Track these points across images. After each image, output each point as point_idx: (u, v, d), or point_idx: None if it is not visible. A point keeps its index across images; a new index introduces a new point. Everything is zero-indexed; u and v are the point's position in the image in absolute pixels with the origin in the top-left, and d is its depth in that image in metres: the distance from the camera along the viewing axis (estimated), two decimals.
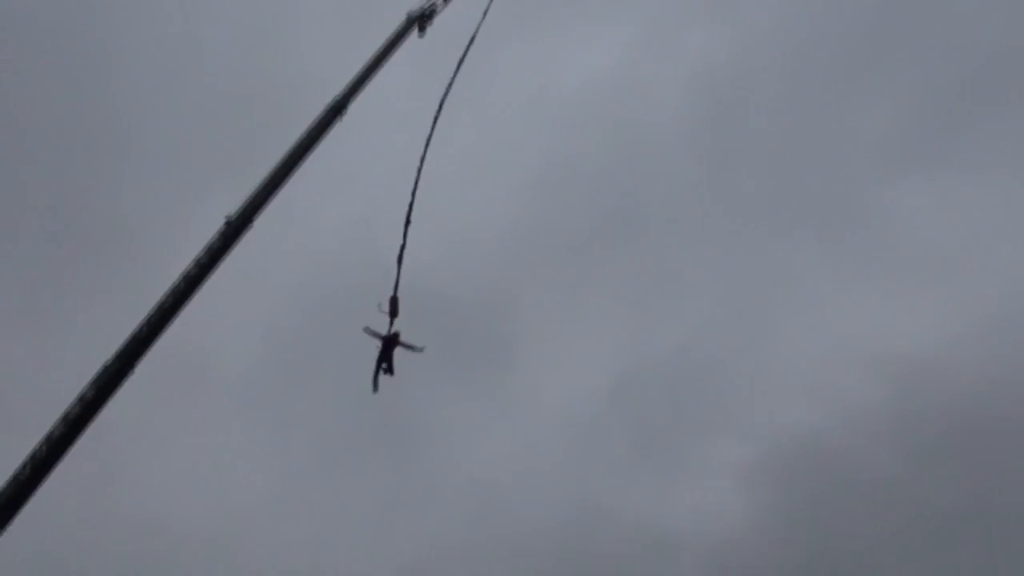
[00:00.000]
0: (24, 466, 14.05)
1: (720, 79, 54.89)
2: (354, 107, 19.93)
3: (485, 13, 21.53)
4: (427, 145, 19.12)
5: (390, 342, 16.26)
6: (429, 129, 19.48)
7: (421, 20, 22.23)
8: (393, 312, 16.15)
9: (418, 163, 18.32)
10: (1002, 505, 42.72)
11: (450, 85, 20.33)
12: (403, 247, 16.68)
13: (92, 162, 45.48)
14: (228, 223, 17.92)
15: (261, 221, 17.95)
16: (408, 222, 16.81)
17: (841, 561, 46.81)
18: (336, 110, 20.03)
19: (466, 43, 20.87)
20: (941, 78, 53.23)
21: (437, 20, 22.69)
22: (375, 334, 16.35)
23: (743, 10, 56.09)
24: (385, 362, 16.41)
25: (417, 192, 17.47)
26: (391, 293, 16.34)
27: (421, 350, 16.64)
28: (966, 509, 43.43)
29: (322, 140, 19.80)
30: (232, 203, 18.13)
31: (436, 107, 20.10)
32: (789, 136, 54.39)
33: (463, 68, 20.51)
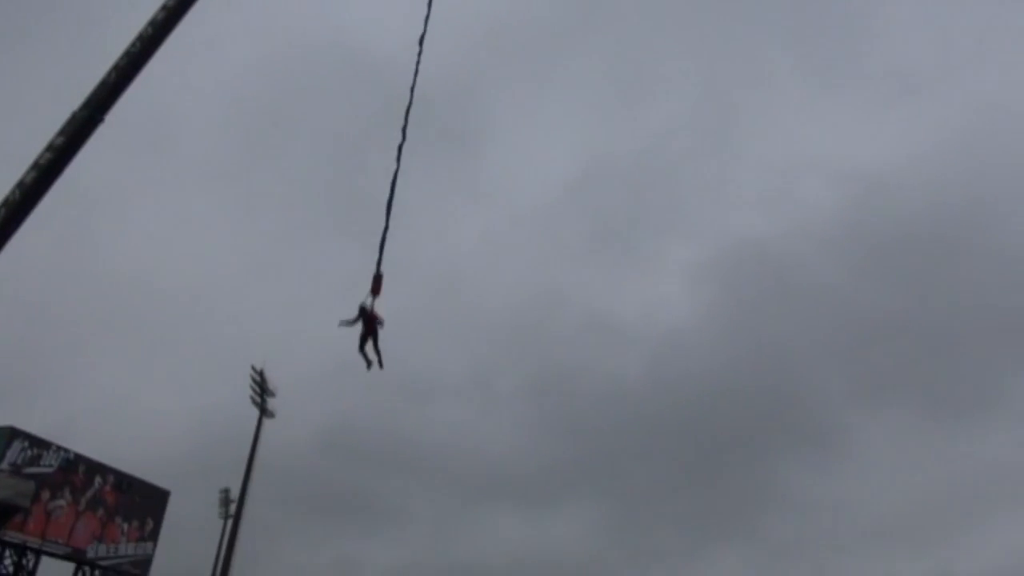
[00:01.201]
0: None
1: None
2: None
3: None
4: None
5: (370, 322, 14.15)
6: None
7: None
8: (376, 290, 14.46)
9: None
10: (930, 314, 45.54)
11: None
12: (386, 229, 14.89)
13: None
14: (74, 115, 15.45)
15: None
16: (390, 208, 14.98)
17: (778, 359, 50.08)
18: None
19: None
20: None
21: None
22: (348, 323, 14.19)
23: None
24: (374, 347, 14.26)
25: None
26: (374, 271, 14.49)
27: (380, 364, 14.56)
28: (898, 317, 46.21)
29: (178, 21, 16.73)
30: None
31: None
32: None
33: None
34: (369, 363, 14.36)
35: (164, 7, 16.00)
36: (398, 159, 15.69)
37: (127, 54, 15.42)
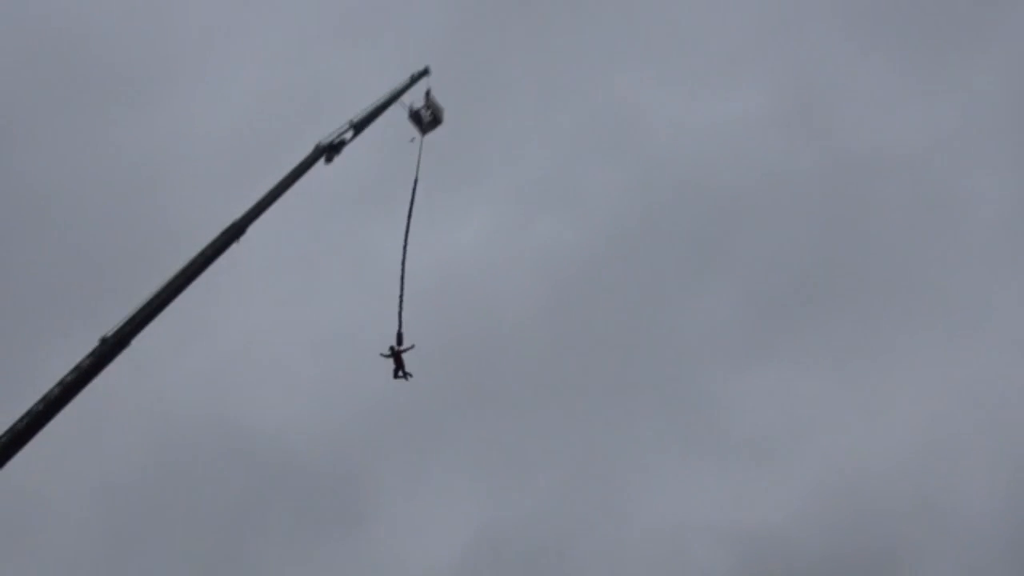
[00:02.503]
0: None
1: (568, 264, 58.58)
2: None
3: (419, 161, 25.75)
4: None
5: (397, 356, 23.24)
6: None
7: (329, 151, 22.70)
8: (399, 343, 23.33)
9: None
10: None
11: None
12: (401, 295, 23.65)
13: None
14: (103, 341, 17.17)
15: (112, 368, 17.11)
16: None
17: None
18: (234, 233, 19.87)
19: None
20: (768, 281, 59.59)
21: (346, 151, 23.21)
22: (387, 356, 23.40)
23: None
24: (400, 371, 23.34)
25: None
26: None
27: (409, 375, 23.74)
28: None
29: (214, 262, 19.51)
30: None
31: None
32: (631, 322, 58.68)
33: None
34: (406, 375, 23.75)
35: (61, 383, 16.43)
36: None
37: (11, 431, 15.47)
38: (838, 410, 55.94)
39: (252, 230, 20.12)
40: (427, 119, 26.28)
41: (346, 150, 23.54)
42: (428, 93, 26.33)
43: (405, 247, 24.24)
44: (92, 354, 17.01)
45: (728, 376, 58.02)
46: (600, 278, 59.13)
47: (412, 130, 26.18)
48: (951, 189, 60.20)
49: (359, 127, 23.59)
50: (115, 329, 17.48)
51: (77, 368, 16.69)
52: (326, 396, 49.62)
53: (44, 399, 16.03)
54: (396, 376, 23.33)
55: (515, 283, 56.13)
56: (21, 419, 15.84)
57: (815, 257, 60.16)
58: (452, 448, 55.38)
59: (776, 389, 57.48)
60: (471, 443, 55.66)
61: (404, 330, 23.33)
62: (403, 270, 23.94)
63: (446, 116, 26.62)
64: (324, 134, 23.05)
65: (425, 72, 26.15)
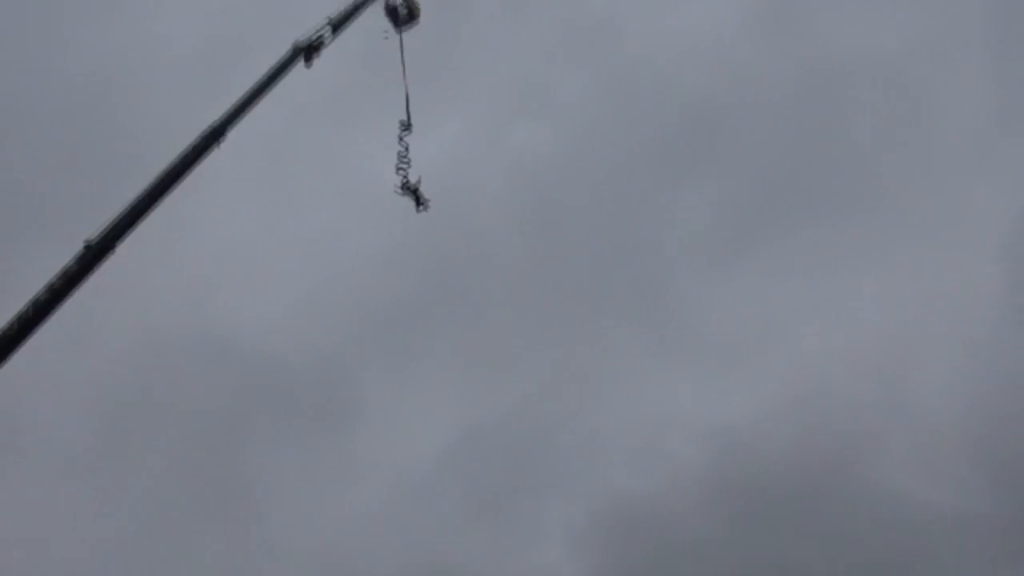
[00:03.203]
0: None
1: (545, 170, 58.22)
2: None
3: (402, 57, 25.73)
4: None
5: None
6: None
7: (308, 51, 22.07)
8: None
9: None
10: (807, 554, 47.38)
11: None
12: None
13: None
14: (88, 247, 17.02)
15: (95, 279, 16.96)
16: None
17: None
18: (214, 136, 19.52)
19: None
20: (742, 188, 59.84)
21: (324, 53, 22.56)
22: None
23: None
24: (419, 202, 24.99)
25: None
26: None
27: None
28: (779, 560, 47.81)
29: (195, 166, 19.20)
30: None
31: None
32: (608, 227, 58.98)
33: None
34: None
35: (49, 288, 16.35)
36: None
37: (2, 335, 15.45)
38: (808, 314, 57.42)
39: (235, 136, 19.73)
40: (403, 14, 25.60)
41: (325, 52, 22.87)
42: None
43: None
44: (77, 259, 16.90)
45: (702, 281, 58.93)
46: (576, 185, 59.08)
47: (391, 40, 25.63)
48: (926, 95, 60.20)
49: (337, 25, 22.89)
50: (99, 234, 17.32)
51: (64, 273, 16.60)
52: (310, 300, 49.98)
53: (32, 304, 16.00)
54: (419, 209, 24.77)
55: (493, 189, 55.98)
56: (10, 325, 15.81)
57: (789, 163, 60.44)
58: (434, 350, 56.25)
59: (749, 294, 58.63)
60: (452, 344, 56.52)
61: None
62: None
63: (423, 15, 25.93)
64: (302, 34, 22.35)
65: None
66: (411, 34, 26.34)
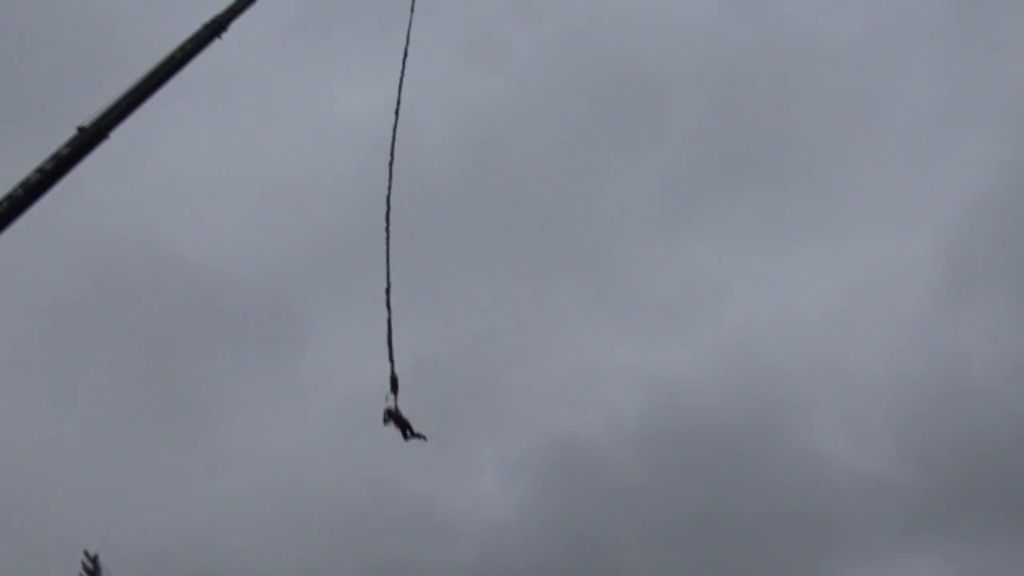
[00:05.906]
0: None
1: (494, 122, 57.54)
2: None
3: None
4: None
5: (394, 416, 18.71)
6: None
7: None
8: (394, 388, 18.98)
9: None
10: (730, 505, 49.90)
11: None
12: (390, 328, 19.67)
13: None
14: (81, 131, 16.12)
15: (57, 191, 15.91)
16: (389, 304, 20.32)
17: (596, 552, 52.06)
18: (215, 28, 18.57)
19: None
20: (688, 156, 60.99)
21: None
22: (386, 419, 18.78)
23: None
24: (408, 431, 18.84)
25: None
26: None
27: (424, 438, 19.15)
28: (703, 510, 50.16)
29: (195, 58, 18.26)
30: None
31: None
32: (554, 184, 59.48)
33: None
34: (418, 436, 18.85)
35: (39, 170, 15.51)
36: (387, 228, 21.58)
37: None
38: (748, 281, 59.44)
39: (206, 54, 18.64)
40: None
41: None
42: None
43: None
44: (70, 143, 16.03)
45: (646, 242, 60.20)
46: (525, 139, 59.16)
47: None
48: (879, 79, 61.99)
49: None
50: (93, 119, 16.41)
51: (55, 156, 15.74)
52: (265, 225, 48.99)
53: (23, 184, 15.14)
54: (407, 438, 18.74)
55: (440, 137, 55.53)
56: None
57: (740, 135, 61.69)
58: (381, 289, 56.20)
59: (692, 258, 60.21)
60: (398, 284, 56.49)
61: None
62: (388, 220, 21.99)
63: None
64: None
65: None
66: None
